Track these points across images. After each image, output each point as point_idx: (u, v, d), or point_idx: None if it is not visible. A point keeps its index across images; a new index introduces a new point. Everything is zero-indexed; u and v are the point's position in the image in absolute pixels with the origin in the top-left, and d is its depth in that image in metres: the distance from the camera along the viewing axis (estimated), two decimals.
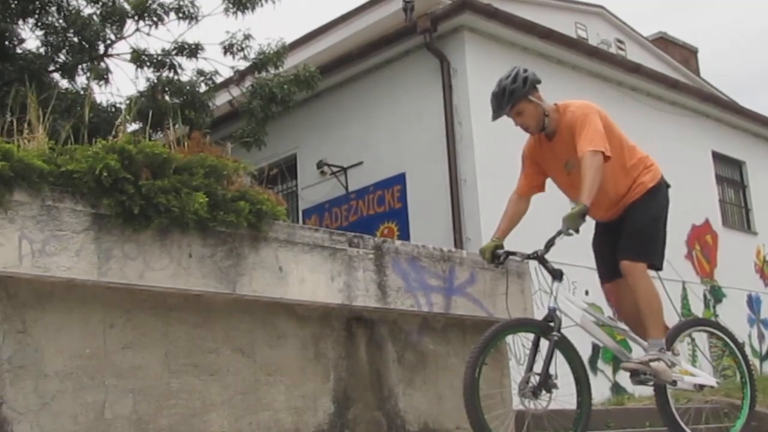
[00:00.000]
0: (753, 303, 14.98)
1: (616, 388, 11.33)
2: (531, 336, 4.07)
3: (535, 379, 3.92)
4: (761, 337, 14.98)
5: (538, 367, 3.96)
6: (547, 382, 3.92)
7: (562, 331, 4.05)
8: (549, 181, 4.59)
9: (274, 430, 3.67)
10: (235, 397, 3.58)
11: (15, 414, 3.02)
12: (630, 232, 4.32)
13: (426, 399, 4.22)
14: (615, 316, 4.48)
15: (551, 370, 3.93)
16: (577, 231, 4.00)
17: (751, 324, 14.83)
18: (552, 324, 4.03)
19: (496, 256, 4.30)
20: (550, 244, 4.16)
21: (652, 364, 4.16)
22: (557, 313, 4.06)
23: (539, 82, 4.33)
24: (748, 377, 4.53)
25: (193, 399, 3.47)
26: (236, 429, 3.56)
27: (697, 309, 13.75)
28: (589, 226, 4.42)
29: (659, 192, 4.44)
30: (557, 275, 4.17)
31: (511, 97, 4.22)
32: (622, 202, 4.40)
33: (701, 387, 4.36)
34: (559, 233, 4.07)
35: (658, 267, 4.39)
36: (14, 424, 3.01)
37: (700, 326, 4.72)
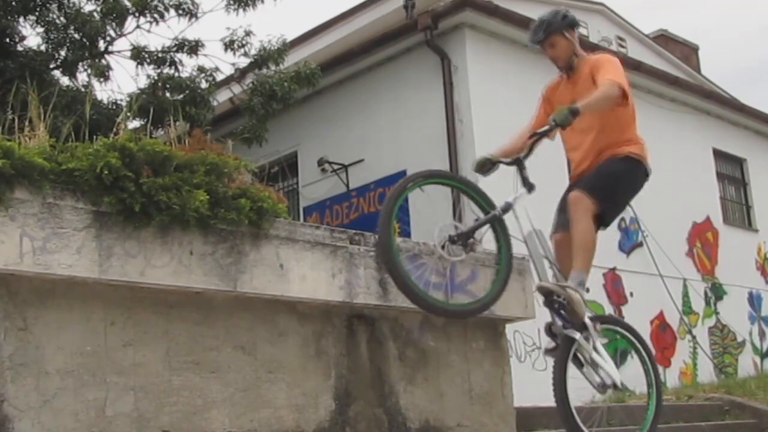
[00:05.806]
0: (754, 300, 14.98)
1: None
2: (483, 219, 4.18)
3: (459, 229, 4.09)
4: (762, 334, 14.98)
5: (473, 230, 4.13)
6: (467, 238, 4.08)
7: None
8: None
9: (276, 428, 3.67)
10: (236, 395, 3.58)
11: (16, 411, 3.02)
12: (594, 172, 4.43)
13: (427, 396, 4.22)
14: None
15: (477, 235, 4.14)
16: (561, 124, 4.10)
17: (752, 321, 14.83)
18: (498, 206, 4.17)
19: (482, 166, 4.45)
20: (532, 147, 4.31)
21: (569, 290, 4.14)
22: (510, 208, 4.19)
23: (577, 25, 4.60)
24: (654, 381, 4.46)
25: (194, 396, 3.47)
26: (237, 426, 3.55)
27: (698, 306, 13.75)
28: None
29: (637, 167, 4.51)
30: (528, 186, 4.29)
31: (548, 27, 4.48)
32: (603, 154, 4.48)
33: (604, 387, 4.22)
34: (544, 130, 4.23)
35: (604, 219, 4.42)
36: (15, 422, 3.01)
37: (608, 324, 4.55)
